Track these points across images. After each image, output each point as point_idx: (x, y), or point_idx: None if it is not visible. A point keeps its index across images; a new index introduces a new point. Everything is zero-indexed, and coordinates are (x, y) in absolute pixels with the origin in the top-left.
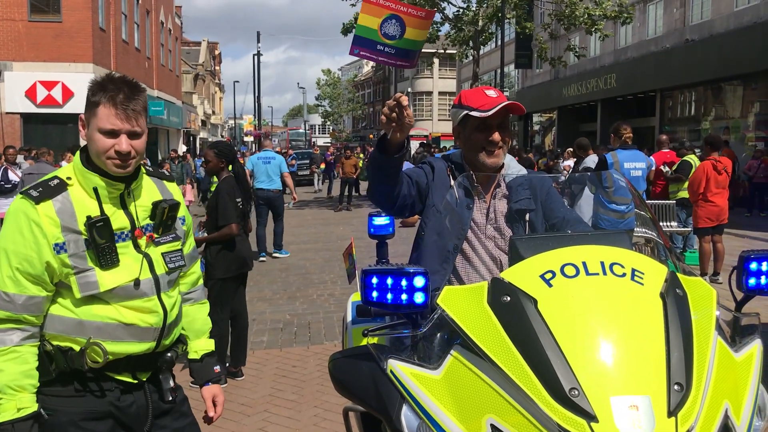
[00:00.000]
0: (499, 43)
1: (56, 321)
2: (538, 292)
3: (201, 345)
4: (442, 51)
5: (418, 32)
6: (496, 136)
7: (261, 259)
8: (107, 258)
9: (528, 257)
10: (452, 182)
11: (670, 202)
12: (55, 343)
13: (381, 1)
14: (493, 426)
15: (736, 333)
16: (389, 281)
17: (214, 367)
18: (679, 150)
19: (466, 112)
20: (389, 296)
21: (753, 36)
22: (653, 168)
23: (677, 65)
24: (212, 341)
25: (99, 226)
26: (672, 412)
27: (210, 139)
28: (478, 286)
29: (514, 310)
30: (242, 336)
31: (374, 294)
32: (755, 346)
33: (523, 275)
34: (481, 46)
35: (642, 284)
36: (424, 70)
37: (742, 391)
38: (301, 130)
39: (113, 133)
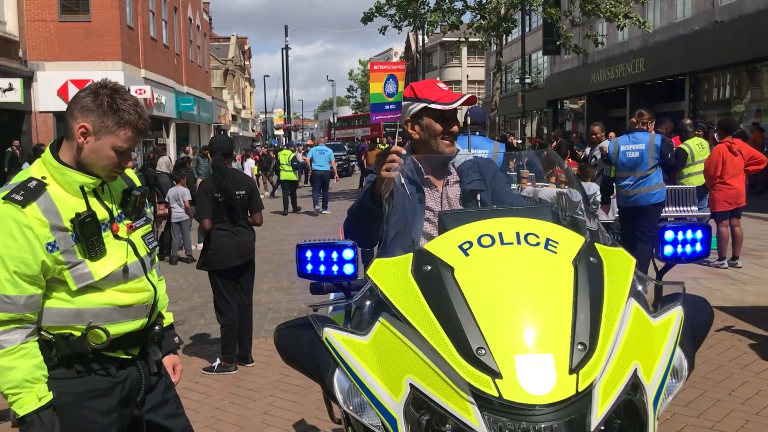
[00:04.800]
0: (528, 29)
1: (53, 313)
2: (455, 261)
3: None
4: (464, 39)
5: (402, 84)
6: (456, 128)
7: (324, 212)
8: (96, 249)
9: (451, 229)
10: (402, 180)
11: (690, 186)
12: (54, 332)
13: (381, 66)
14: (411, 385)
15: (658, 301)
16: (321, 254)
17: (174, 338)
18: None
19: (425, 104)
20: (322, 268)
21: None
22: (658, 145)
23: (707, 48)
24: (171, 314)
25: (88, 222)
26: (573, 370)
27: (240, 134)
28: (404, 257)
29: (432, 278)
30: (246, 324)
31: (308, 267)
32: (675, 313)
33: (443, 246)
34: (507, 34)
35: (555, 253)
36: (452, 59)
37: (655, 354)
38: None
39: (125, 151)
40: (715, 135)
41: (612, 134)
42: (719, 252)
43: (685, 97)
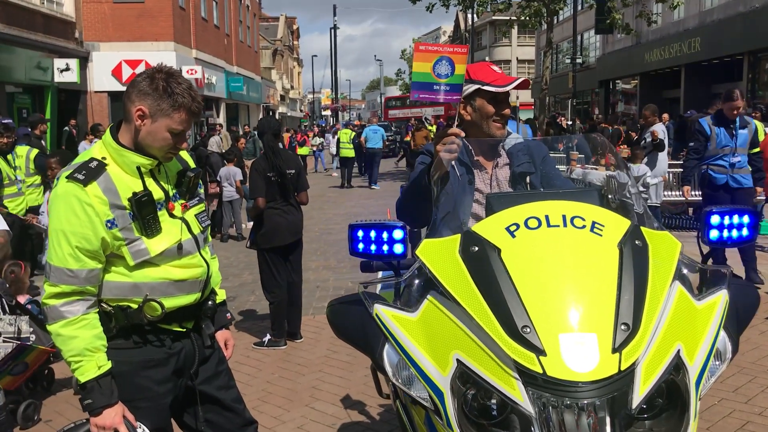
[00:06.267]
0: (580, 8)
1: (113, 286)
2: (502, 242)
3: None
4: (515, 18)
5: (462, 67)
6: (508, 111)
7: (374, 187)
8: (152, 227)
9: (498, 211)
10: (453, 162)
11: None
12: (113, 304)
13: (429, 48)
14: (458, 360)
15: (704, 284)
16: (372, 234)
17: (226, 314)
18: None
19: (478, 86)
20: (373, 247)
21: None
22: None
23: None
24: (224, 291)
25: (144, 201)
26: (616, 349)
27: (289, 114)
28: (452, 238)
29: (480, 259)
30: (295, 302)
31: (360, 246)
32: (720, 296)
33: (490, 228)
34: (558, 12)
35: (601, 235)
36: (502, 39)
37: (699, 335)
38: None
39: (180, 133)
40: None
41: (666, 116)
42: None
43: (744, 77)
